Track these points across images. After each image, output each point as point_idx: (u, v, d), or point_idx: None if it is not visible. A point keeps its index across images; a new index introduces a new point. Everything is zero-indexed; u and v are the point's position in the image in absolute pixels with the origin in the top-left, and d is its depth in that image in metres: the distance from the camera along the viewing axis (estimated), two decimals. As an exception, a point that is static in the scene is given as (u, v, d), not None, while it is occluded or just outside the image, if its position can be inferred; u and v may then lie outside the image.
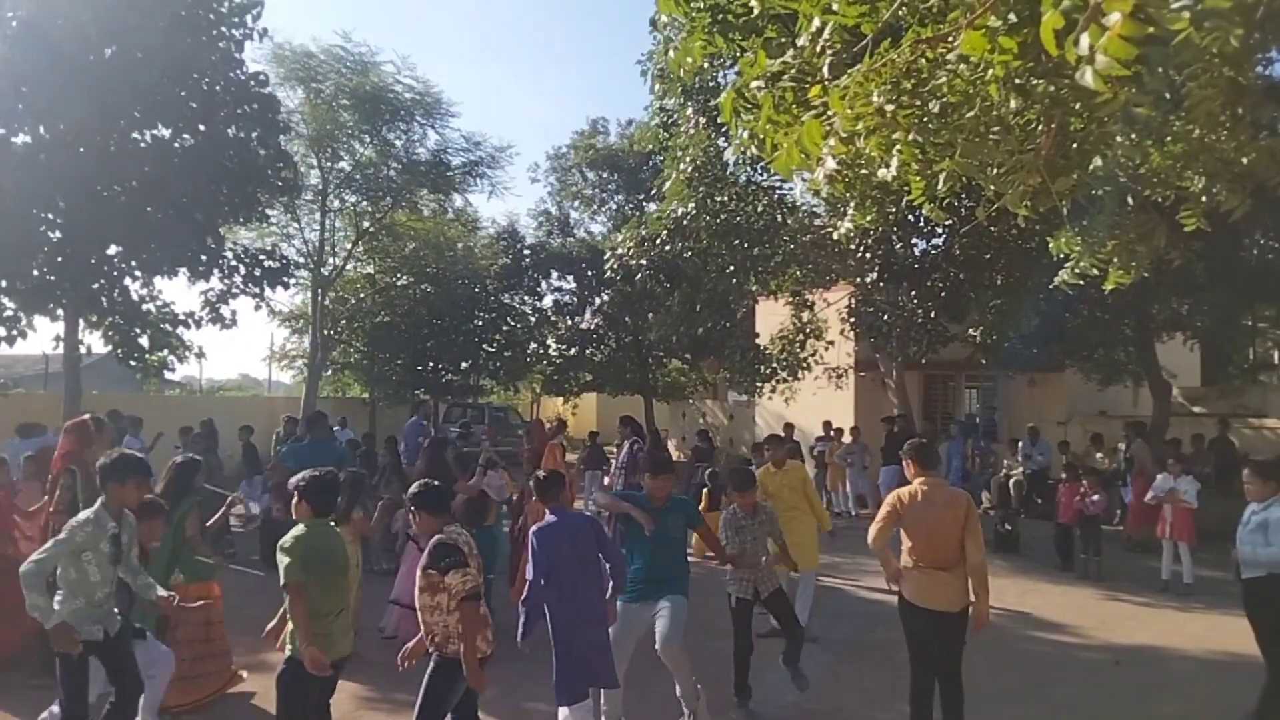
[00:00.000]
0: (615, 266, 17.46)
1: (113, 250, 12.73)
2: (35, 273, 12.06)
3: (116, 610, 4.53)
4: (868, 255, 13.65)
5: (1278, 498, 5.61)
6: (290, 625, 4.33)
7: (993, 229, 12.03)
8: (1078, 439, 15.46)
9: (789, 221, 14.36)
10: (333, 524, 4.71)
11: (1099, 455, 14.11)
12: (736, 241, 14.08)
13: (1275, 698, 5.46)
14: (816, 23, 3.49)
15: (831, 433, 16.05)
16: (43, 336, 33.18)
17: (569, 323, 28.18)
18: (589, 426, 33.11)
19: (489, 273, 25.81)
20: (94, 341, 13.39)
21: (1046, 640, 7.73)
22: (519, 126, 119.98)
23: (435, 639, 4.35)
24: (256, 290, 14.45)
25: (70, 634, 4.20)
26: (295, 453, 8.72)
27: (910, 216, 11.98)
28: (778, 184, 14.13)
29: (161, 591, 4.79)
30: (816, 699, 6.01)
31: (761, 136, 3.58)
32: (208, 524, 6.33)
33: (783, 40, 4.24)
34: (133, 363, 13.51)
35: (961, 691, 4.89)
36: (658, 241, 15.35)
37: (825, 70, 3.40)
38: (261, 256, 14.69)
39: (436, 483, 4.68)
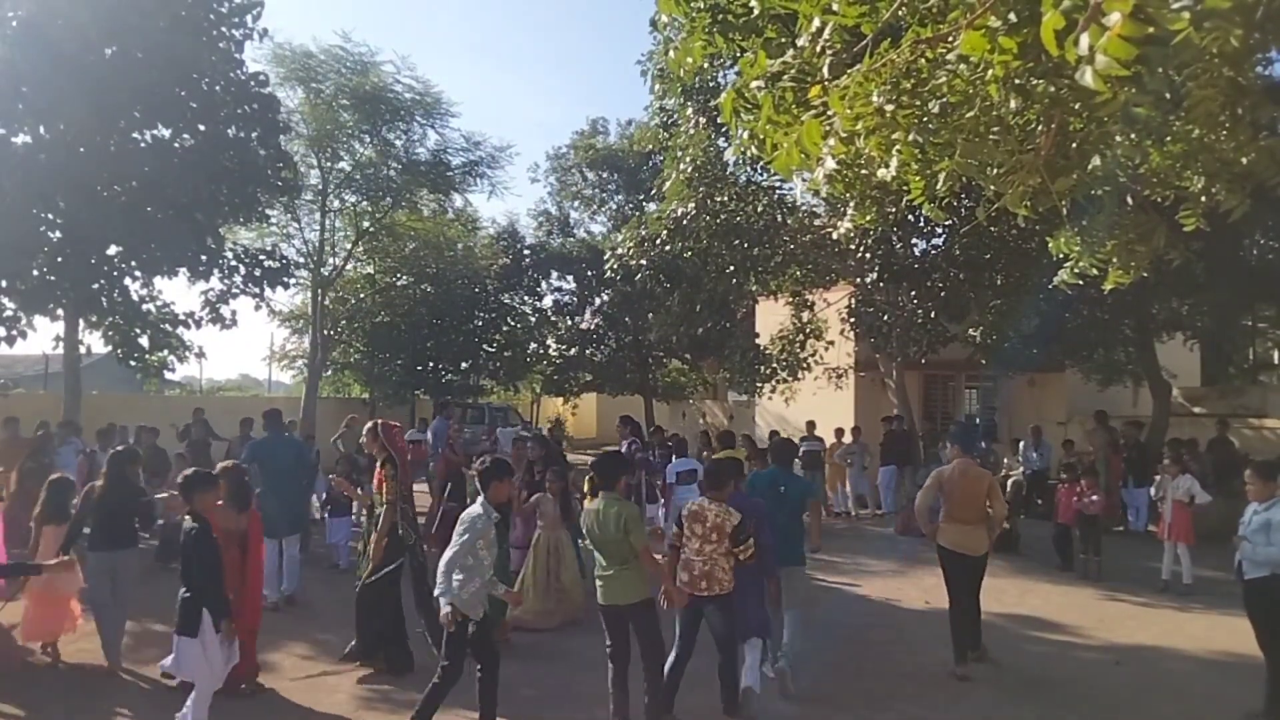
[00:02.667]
0: (615, 266, 17.46)
1: (113, 250, 12.73)
2: (35, 273, 12.06)
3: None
4: (868, 255, 13.64)
5: (1279, 498, 5.61)
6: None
7: (993, 229, 12.03)
8: (1078, 439, 15.46)
9: (789, 221, 14.36)
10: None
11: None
12: (736, 241, 14.08)
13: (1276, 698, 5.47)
14: (816, 23, 3.49)
15: (814, 434, 15.90)
16: (43, 336, 33.31)
17: (569, 323, 28.21)
18: (589, 426, 33.24)
19: (489, 273, 25.82)
20: (94, 341, 13.43)
21: (1046, 640, 7.72)
22: (519, 126, 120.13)
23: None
24: (256, 290, 14.45)
25: (456, 614, 4.84)
26: (255, 449, 8.79)
27: (910, 216, 11.98)
28: (778, 184, 14.13)
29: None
30: (818, 698, 6.01)
31: (761, 136, 3.58)
32: None
33: (783, 40, 4.25)
34: (133, 363, 13.52)
35: (979, 610, 6.74)
36: (658, 241, 15.35)
37: (825, 70, 3.40)
38: (261, 256, 14.69)
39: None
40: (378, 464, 6.74)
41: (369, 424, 6.98)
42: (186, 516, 5.25)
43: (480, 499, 5.08)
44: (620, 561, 5.09)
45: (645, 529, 5.40)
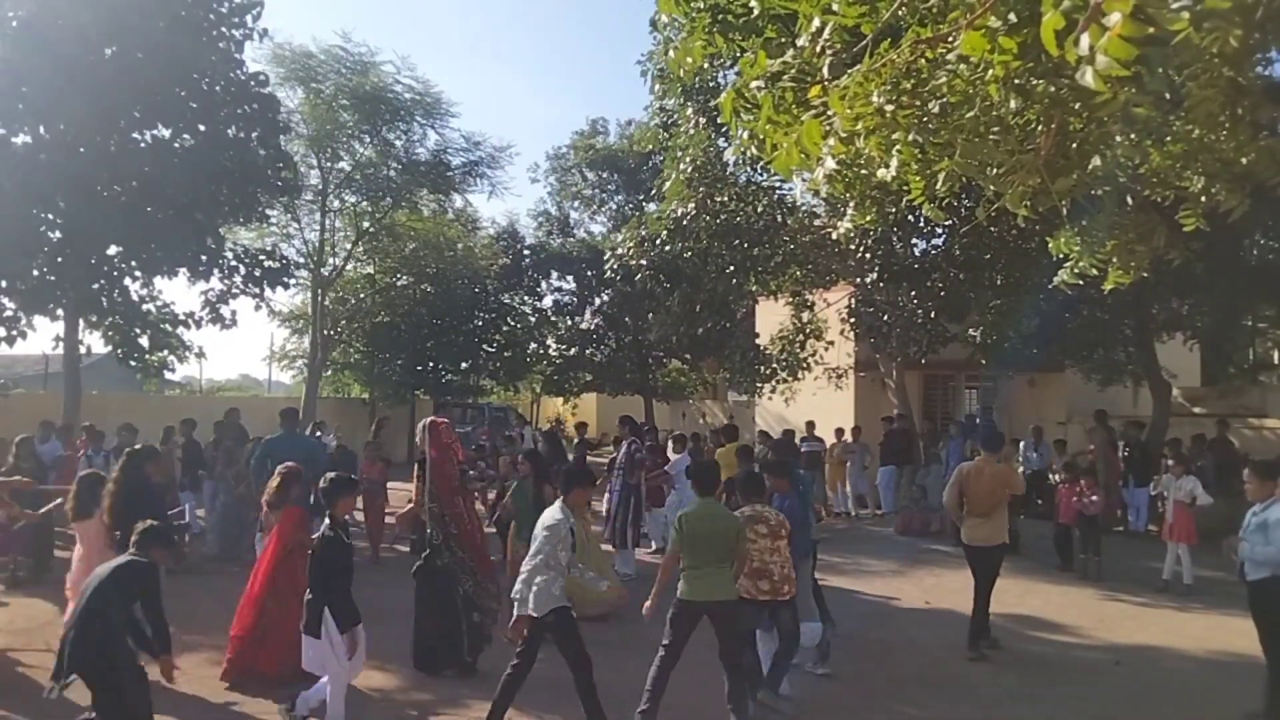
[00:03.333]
0: (615, 267, 17.45)
1: (113, 250, 12.73)
2: (35, 273, 12.06)
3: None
4: (868, 255, 13.64)
5: (1277, 497, 5.60)
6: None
7: (993, 229, 12.02)
8: (1077, 439, 15.45)
9: (789, 221, 14.36)
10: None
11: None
12: (736, 241, 14.08)
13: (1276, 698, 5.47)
14: (816, 23, 3.49)
15: (814, 434, 15.90)
16: (43, 336, 33.23)
17: (569, 323, 28.20)
18: (589, 427, 33.18)
19: (489, 273, 25.81)
20: (94, 341, 13.42)
21: (1046, 640, 7.72)
22: (519, 126, 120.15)
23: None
24: (256, 290, 14.45)
25: (524, 622, 5.16)
26: (270, 448, 8.82)
27: (910, 216, 11.96)
28: (778, 184, 14.12)
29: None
30: (818, 698, 6.01)
31: (761, 136, 3.58)
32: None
33: (783, 40, 4.24)
34: (133, 363, 13.51)
35: (990, 584, 7.19)
36: (658, 242, 15.34)
37: (825, 70, 3.40)
38: (261, 256, 14.69)
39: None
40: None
41: (421, 423, 7.04)
42: (326, 521, 5.32)
43: (559, 503, 5.34)
44: (720, 561, 5.33)
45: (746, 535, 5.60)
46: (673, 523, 5.72)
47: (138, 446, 7.34)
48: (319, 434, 13.19)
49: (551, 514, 5.26)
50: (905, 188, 3.85)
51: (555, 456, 10.91)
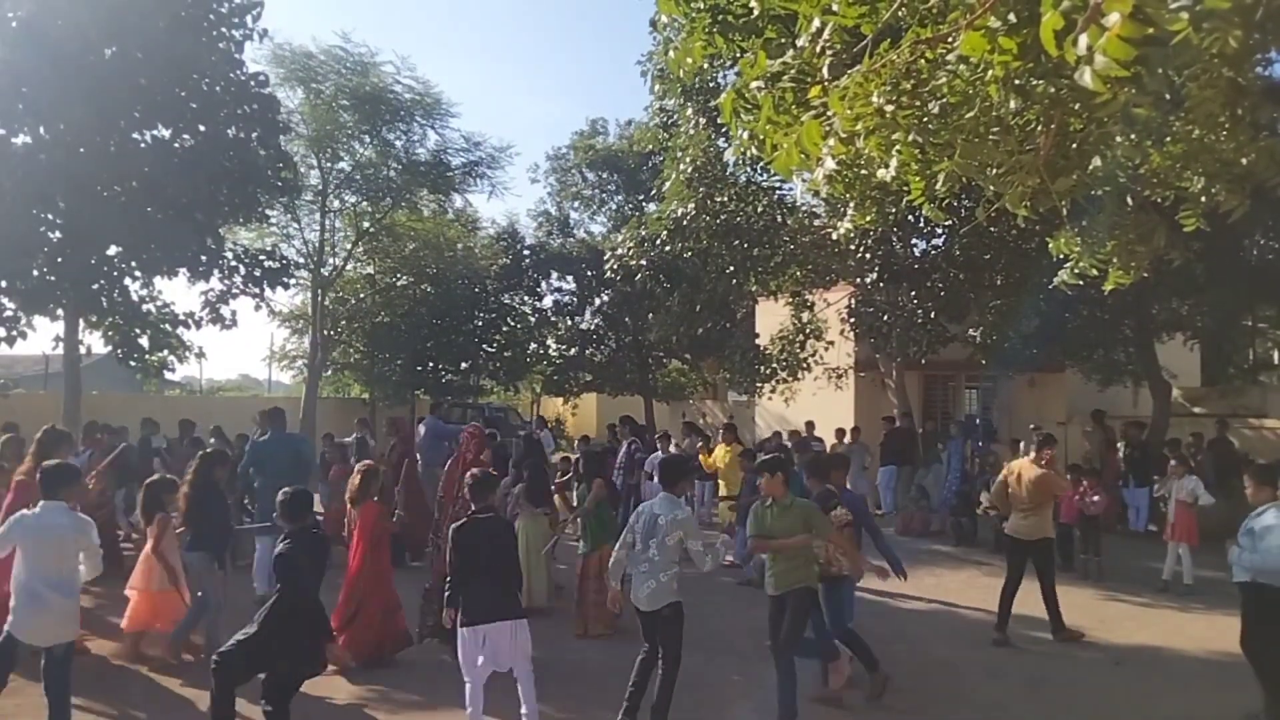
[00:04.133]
0: (615, 267, 17.46)
1: (113, 250, 12.73)
2: (35, 273, 12.06)
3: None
4: (868, 255, 13.64)
5: (1274, 503, 5.59)
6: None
7: (993, 229, 12.02)
8: (1077, 439, 15.45)
9: (789, 221, 14.35)
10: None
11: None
12: (736, 242, 14.07)
13: (1275, 698, 5.48)
14: (816, 23, 3.49)
15: (813, 434, 15.90)
16: (43, 336, 33.25)
17: (569, 323, 28.18)
18: (589, 427, 33.19)
19: (489, 273, 25.81)
20: (94, 341, 13.42)
21: (1046, 640, 7.71)
22: (519, 126, 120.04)
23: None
24: (256, 290, 14.45)
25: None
26: (257, 450, 8.85)
27: (910, 216, 11.97)
28: (778, 184, 14.12)
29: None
30: (818, 698, 6.01)
31: (761, 137, 3.58)
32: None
33: (783, 41, 4.24)
34: (133, 363, 13.52)
35: (1050, 576, 7.71)
36: (658, 242, 15.35)
37: (825, 71, 3.40)
38: (261, 257, 14.69)
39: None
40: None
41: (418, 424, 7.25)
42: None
43: (663, 494, 5.48)
44: (800, 552, 5.52)
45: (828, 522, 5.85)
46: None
47: (208, 451, 7.64)
48: (365, 434, 13.40)
49: (679, 511, 5.37)
50: (905, 188, 3.85)
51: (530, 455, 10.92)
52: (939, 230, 13.40)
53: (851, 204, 6.45)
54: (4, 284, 11.94)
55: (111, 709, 5.77)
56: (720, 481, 11.49)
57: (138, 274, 13.11)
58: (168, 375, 15.60)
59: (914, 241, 14.19)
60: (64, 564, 4.75)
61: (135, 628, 6.77)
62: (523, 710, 5.07)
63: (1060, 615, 7.62)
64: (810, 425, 15.28)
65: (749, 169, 13.29)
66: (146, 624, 6.76)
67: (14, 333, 12.29)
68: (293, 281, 17.78)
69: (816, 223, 14.49)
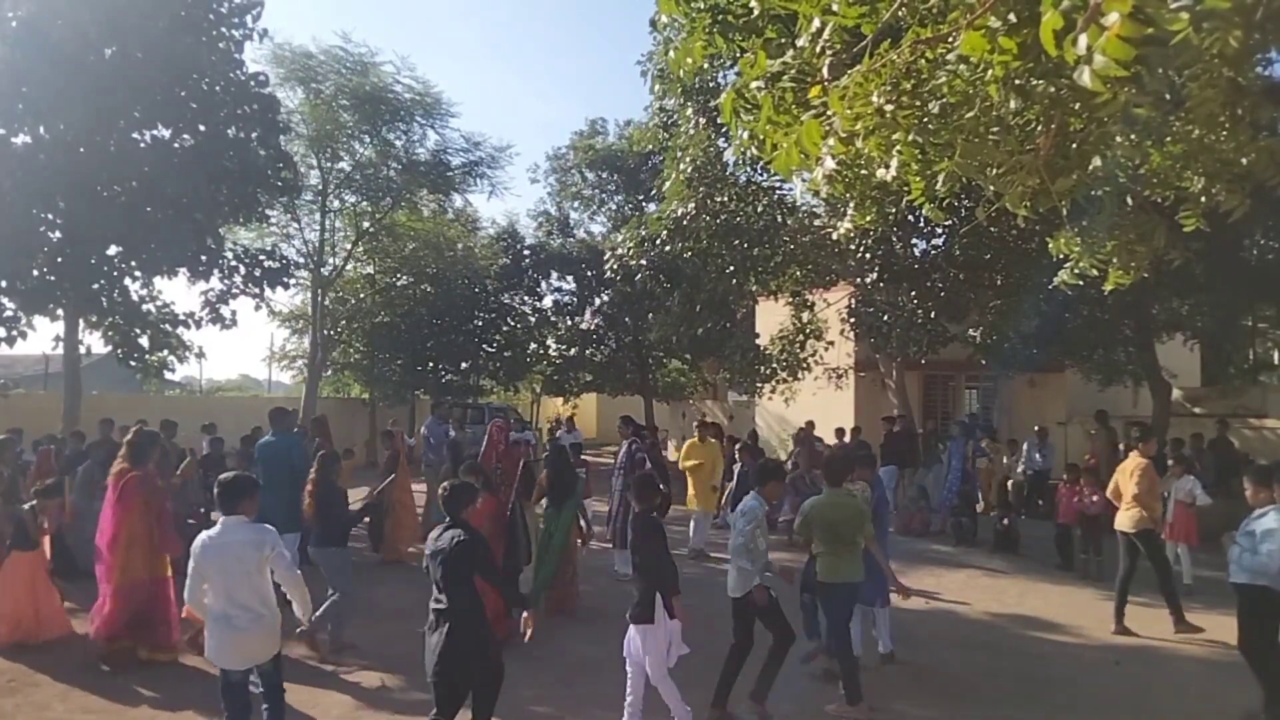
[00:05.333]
0: (615, 267, 17.45)
1: (113, 250, 12.73)
2: (35, 273, 12.06)
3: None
4: (868, 255, 13.64)
5: (1274, 505, 5.59)
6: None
7: (993, 229, 12.02)
8: (1077, 439, 15.46)
9: (789, 221, 14.35)
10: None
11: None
12: (736, 241, 14.08)
13: (1274, 697, 5.48)
14: (816, 23, 3.49)
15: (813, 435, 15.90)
16: (43, 336, 33.34)
17: (569, 323, 28.17)
18: (589, 427, 33.21)
19: (489, 273, 25.82)
20: (94, 341, 13.42)
21: (1046, 640, 7.72)
22: (519, 126, 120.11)
23: None
24: (256, 290, 14.45)
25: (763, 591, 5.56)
26: (263, 450, 8.90)
27: (910, 216, 11.98)
28: (778, 184, 14.13)
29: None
30: (818, 698, 6.01)
31: (761, 137, 3.58)
32: None
33: (783, 40, 4.24)
34: (133, 363, 13.52)
35: (1163, 567, 7.99)
36: (658, 242, 15.35)
37: (825, 70, 3.40)
38: (261, 256, 14.69)
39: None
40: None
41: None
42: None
43: (753, 493, 5.76)
44: (852, 544, 5.78)
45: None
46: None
47: (324, 452, 7.88)
48: (446, 424, 13.54)
49: (748, 502, 5.67)
50: (905, 188, 3.85)
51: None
52: (939, 230, 13.41)
53: (851, 204, 6.45)
54: (4, 284, 11.93)
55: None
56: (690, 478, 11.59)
57: (138, 274, 13.11)
58: (168, 375, 15.60)
59: (914, 241, 14.19)
60: (252, 580, 4.49)
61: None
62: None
63: (1180, 608, 7.77)
64: (810, 425, 15.28)
65: (749, 169, 13.29)
66: None
67: (14, 333, 12.30)
68: (293, 281, 17.78)
69: (816, 223, 14.49)
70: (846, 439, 15.55)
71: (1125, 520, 7.90)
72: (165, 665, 6.47)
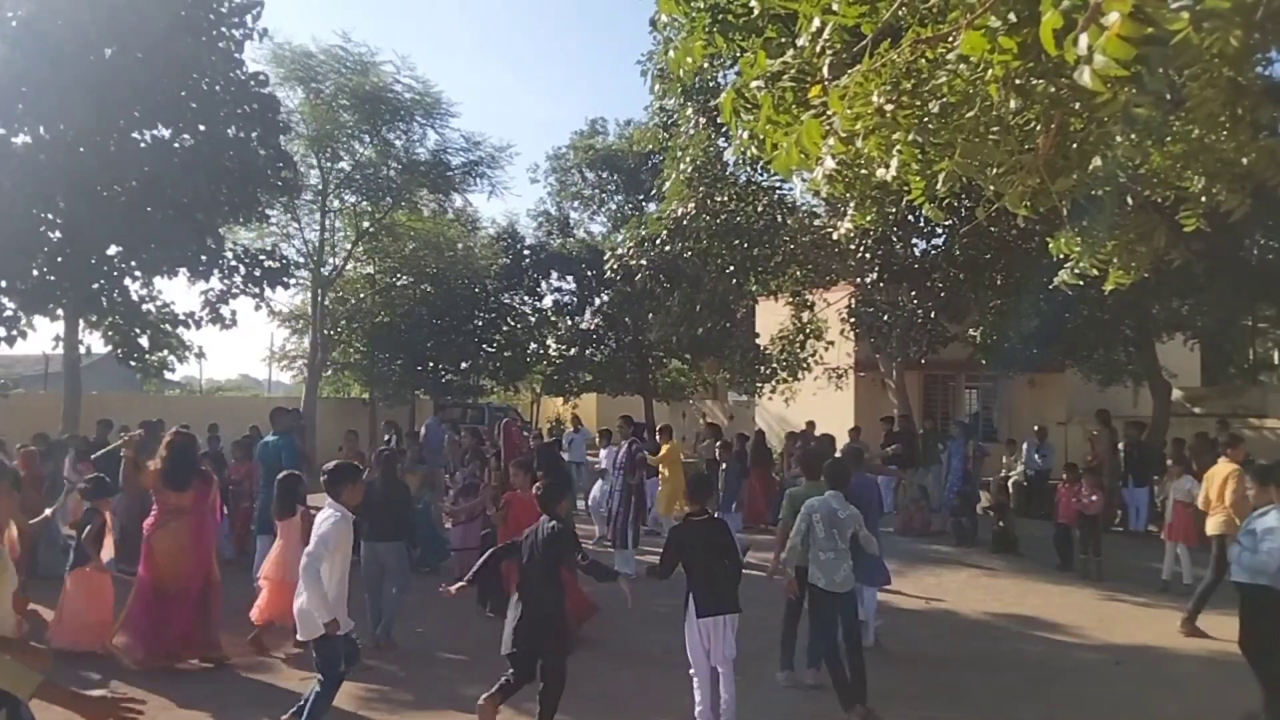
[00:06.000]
0: (615, 267, 17.44)
1: (113, 250, 12.74)
2: (35, 273, 12.07)
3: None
4: (868, 255, 13.63)
5: (1275, 504, 5.59)
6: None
7: (993, 229, 12.01)
8: (1078, 439, 15.45)
9: (789, 221, 14.36)
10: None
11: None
12: (736, 241, 14.08)
13: (1274, 697, 5.48)
14: (816, 23, 3.48)
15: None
16: (43, 336, 33.29)
17: (569, 323, 28.18)
18: (588, 426, 33.19)
19: (489, 273, 25.81)
20: (94, 341, 13.44)
21: (1046, 640, 7.71)
22: (519, 126, 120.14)
23: None
24: (256, 290, 14.46)
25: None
26: (263, 450, 8.95)
27: (910, 216, 11.96)
28: (778, 184, 14.13)
29: None
30: (818, 698, 6.01)
31: (761, 136, 3.58)
32: None
33: (783, 40, 4.24)
34: (133, 363, 13.53)
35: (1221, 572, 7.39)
36: (658, 242, 15.34)
37: (825, 70, 3.40)
38: (261, 256, 14.70)
39: None
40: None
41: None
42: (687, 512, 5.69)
43: (830, 491, 5.86)
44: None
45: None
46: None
47: (386, 450, 8.08)
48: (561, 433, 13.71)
49: (828, 500, 5.77)
50: (905, 188, 3.85)
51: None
52: (939, 230, 13.39)
53: (851, 204, 6.46)
54: (4, 284, 11.94)
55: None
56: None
57: (138, 274, 13.13)
58: (168, 375, 15.62)
59: (914, 241, 14.18)
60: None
61: (267, 619, 6.66)
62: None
63: (1198, 614, 7.72)
64: (810, 425, 15.30)
65: (749, 169, 13.28)
66: (279, 616, 6.50)
67: (14, 333, 12.31)
68: (293, 281, 17.81)
69: (816, 223, 14.49)
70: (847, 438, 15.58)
71: (1213, 525, 7.85)
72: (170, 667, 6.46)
